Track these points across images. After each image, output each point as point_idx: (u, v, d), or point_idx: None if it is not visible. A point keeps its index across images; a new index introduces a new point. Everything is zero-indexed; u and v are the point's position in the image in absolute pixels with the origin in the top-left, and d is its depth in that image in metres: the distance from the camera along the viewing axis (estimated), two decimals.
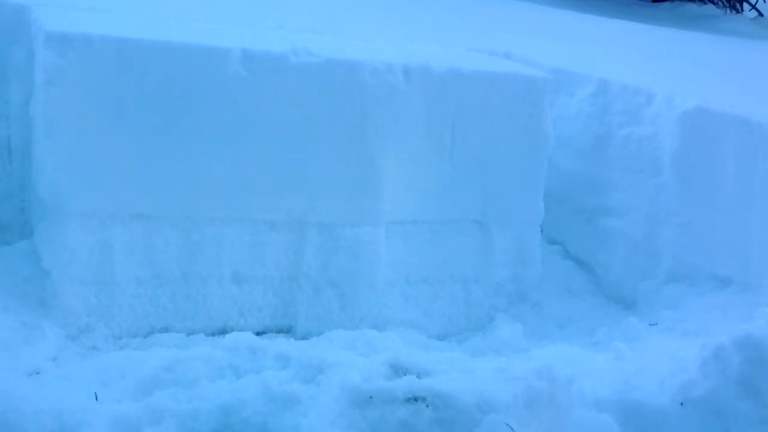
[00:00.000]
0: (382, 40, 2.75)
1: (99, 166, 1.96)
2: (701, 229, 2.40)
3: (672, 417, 1.65)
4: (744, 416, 1.57)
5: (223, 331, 2.10)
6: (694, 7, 7.02)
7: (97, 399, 1.62)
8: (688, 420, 1.64)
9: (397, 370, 1.66)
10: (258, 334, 2.09)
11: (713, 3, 7.08)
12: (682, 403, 1.65)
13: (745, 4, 7.22)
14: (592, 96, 2.72)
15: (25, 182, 2.32)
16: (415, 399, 1.52)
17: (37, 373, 1.78)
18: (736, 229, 2.32)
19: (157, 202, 2.03)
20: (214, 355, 1.79)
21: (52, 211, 2.00)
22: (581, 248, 2.77)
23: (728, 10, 7.02)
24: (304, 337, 2.16)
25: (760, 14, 7.22)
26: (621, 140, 2.61)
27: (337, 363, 1.71)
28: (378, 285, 2.23)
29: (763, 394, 1.60)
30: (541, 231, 2.52)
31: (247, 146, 2.07)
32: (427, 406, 1.51)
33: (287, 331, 2.20)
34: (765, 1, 7.41)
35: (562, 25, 4.84)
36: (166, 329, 2.07)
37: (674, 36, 5.07)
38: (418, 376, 1.61)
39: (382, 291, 2.24)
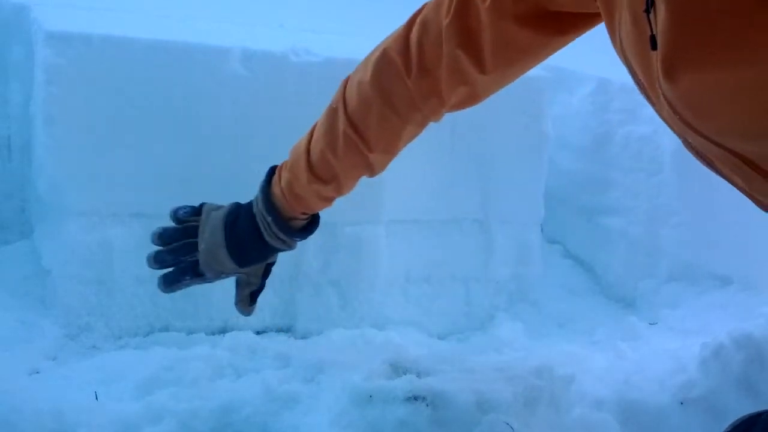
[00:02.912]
0: (383, 39, 2.75)
1: (99, 164, 1.96)
2: (701, 228, 2.40)
3: (672, 416, 1.65)
4: None
5: (223, 331, 2.10)
6: None
7: (96, 398, 1.62)
8: (688, 419, 1.64)
9: (397, 369, 1.66)
10: (258, 333, 2.09)
11: None
12: (682, 403, 1.65)
13: None
14: (591, 94, 2.72)
15: (25, 181, 2.32)
16: (415, 398, 1.52)
17: (37, 372, 1.78)
18: (737, 228, 2.32)
19: (157, 201, 2.02)
20: (214, 354, 1.79)
21: (52, 210, 2.00)
22: (581, 247, 2.77)
23: None
24: (304, 337, 2.16)
25: None
26: (621, 139, 2.60)
27: (337, 362, 1.71)
28: (378, 284, 2.22)
29: (763, 393, 1.60)
30: (542, 230, 2.51)
31: (247, 145, 2.07)
32: (427, 405, 1.51)
33: (287, 330, 2.20)
34: None
35: None
36: (166, 328, 2.07)
37: None
38: (418, 375, 1.61)
39: (382, 290, 2.24)
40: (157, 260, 1.64)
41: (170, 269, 1.63)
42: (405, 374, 1.61)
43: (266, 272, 1.67)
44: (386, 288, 2.25)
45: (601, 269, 2.67)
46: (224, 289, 2.12)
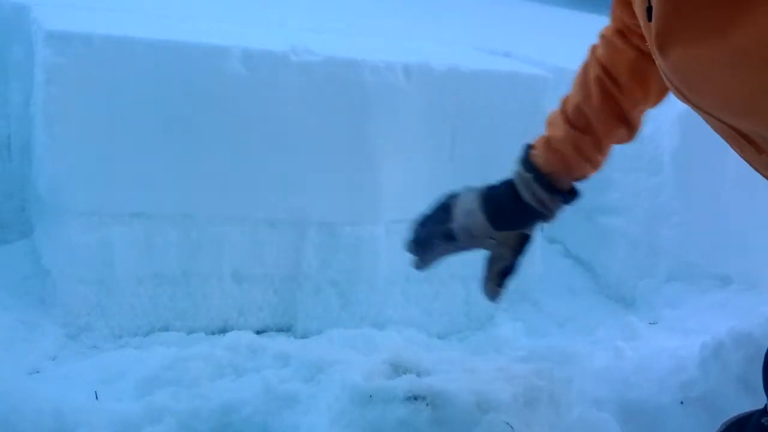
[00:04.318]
0: (383, 38, 2.76)
1: (99, 164, 1.96)
2: (701, 228, 2.40)
3: (672, 415, 1.65)
4: None
5: (224, 330, 2.10)
6: None
7: (97, 398, 1.62)
8: (688, 419, 1.64)
9: (398, 368, 1.66)
10: (258, 332, 2.09)
11: None
12: (681, 402, 1.65)
13: None
14: None
15: (25, 181, 2.32)
16: (415, 398, 1.52)
17: (37, 371, 1.79)
18: (737, 227, 2.32)
19: (157, 201, 2.03)
20: (214, 353, 1.79)
21: (52, 210, 2.00)
22: (581, 247, 2.77)
23: None
24: (304, 336, 2.16)
25: None
26: None
27: (337, 362, 1.71)
28: (378, 284, 2.23)
29: (763, 392, 1.60)
30: (541, 230, 2.51)
31: (247, 145, 2.07)
32: (427, 405, 1.51)
33: (287, 329, 2.20)
34: None
35: (562, 24, 4.85)
36: (166, 328, 2.08)
37: None
38: (419, 375, 1.61)
39: (382, 290, 2.24)
40: (413, 236, 1.58)
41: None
42: (405, 374, 1.61)
43: (519, 248, 1.58)
44: (386, 288, 2.25)
45: (601, 269, 2.67)
46: (224, 289, 2.13)
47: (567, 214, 2.89)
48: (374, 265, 2.21)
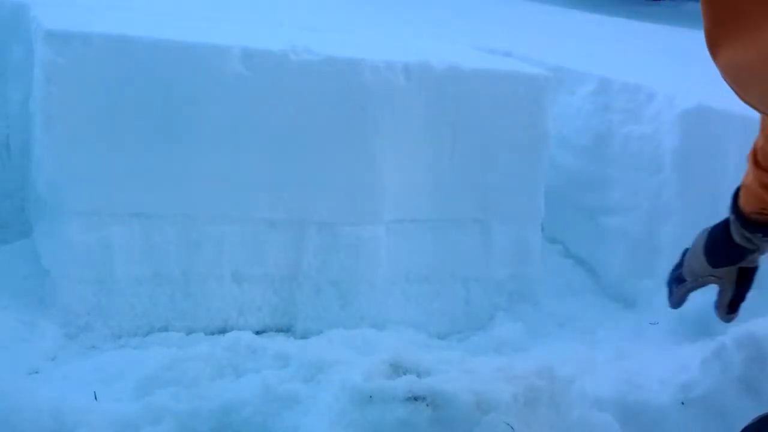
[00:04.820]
0: (383, 37, 2.75)
1: (98, 164, 1.96)
2: (701, 228, 2.40)
3: (673, 416, 1.65)
4: (745, 415, 1.56)
5: (223, 330, 2.10)
6: (695, 5, 7.01)
7: (96, 398, 1.62)
8: (689, 419, 1.63)
9: (398, 369, 1.65)
10: (258, 333, 2.09)
11: None
12: (682, 403, 1.65)
13: None
14: (592, 94, 2.72)
15: (24, 180, 2.32)
16: (415, 398, 1.51)
17: (36, 372, 1.79)
18: None
19: (157, 201, 2.03)
20: (214, 354, 1.78)
21: (51, 210, 2.00)
22: (582, 247, 2.77)
23: None
24: (303, 336, 2.16)
25: None
26: (622, 138, 2.60)
27: (337, 362, 1.70)
28: (378, 284, 2.22)
29: (764, 393, 1.60)
30: (542, 229, 2.51)
31: (247, 144, 2.07)
32: (427, 405, 1.51)
33: (287, 330, 2.20)
34: None
35: (563, 24, 4.84)
36: (165, 328, 2.07)
37: (675, 34, 5.07)
38: (419, 375, 1.61)
39: (382, 290, 2.24)
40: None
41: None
42: (405, 374, 1.60)
43: (742, 279, 1.67)
44: (386, 288, 2.25)
45: (601, 269, 2.66)
46: (224, 289, 2.12)
47: (567, 213, 2.90)
48: (374, 265, 2.21)
